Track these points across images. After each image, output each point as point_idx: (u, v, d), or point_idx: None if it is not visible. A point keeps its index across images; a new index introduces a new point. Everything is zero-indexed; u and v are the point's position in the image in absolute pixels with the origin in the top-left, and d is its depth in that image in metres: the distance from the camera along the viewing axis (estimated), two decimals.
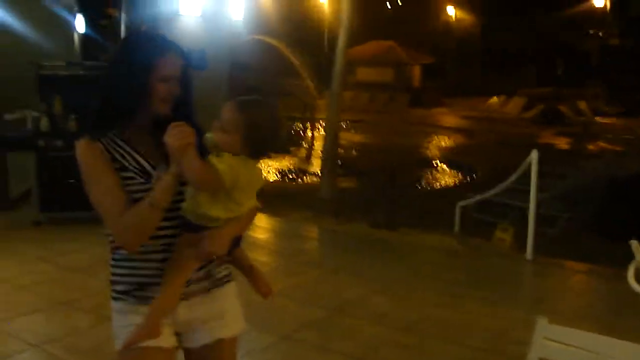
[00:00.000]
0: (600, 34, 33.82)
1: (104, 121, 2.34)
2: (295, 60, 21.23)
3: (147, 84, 2.26)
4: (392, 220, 8.57)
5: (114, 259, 2.41)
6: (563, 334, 2.42)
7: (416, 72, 37.78)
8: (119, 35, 9.08)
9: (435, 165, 17.49)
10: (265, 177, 13.74)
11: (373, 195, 10.06)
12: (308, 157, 17.65)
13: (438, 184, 15.17)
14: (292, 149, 18.27)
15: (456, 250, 7.72)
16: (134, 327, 2.30)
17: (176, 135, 2.17)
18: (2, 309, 5.28)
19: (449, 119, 28.34)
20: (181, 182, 2.23)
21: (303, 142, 19.62)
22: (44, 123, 7.67)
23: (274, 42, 21.28)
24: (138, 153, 2.34)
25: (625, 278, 5.46)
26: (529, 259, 6.97)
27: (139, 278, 2.37)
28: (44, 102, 7.80)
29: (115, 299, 2.42)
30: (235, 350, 2.58)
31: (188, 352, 2.53)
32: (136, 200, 2.23)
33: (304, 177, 14.80)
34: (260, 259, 6.83)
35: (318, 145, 19.18)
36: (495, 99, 31.74)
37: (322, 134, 20.99)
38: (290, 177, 14.73)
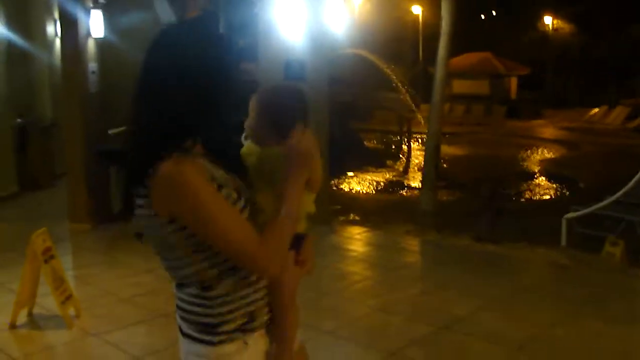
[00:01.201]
0: None
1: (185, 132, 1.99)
2: (391, 73, 21.10)
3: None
4: (495, 233, 8.29)
5: (209, 298, 2.02)
6: None
7: (513, 83, 37.01)
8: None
9: (535, 177, 16.96)
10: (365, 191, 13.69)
11: (475, 208, 9.76)
12: (406, 170, 17.46)
13: (540, 197, 14.66)
14: (389, 162, 18.14)
15: (564, 265, 7.36)
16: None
17: (309, 142, 2.07)
18: (106, 322, 5.32)
19: (548, 131, 27.56)
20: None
21: (400, 156, 19.48)
22: None
23: (370, 55, 21.18)
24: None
25: None
26: None
27: (250, 307, 2.08)
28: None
29: (221, 342, 2.04)
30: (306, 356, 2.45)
31: None
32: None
33: (403, 191, 14.58)
34: (361, 272, 6.69)
35: (415, 158, 18.99)
36: (596, 109, 30.70)
37: (419, 147, 20.86)
38: (389, 190, 14.54)
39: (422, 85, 34.43)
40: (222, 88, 1.98)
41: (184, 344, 2.10)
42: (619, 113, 28.86)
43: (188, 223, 1.91)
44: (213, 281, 2.01)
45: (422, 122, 22.94)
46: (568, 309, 5.68)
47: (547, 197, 14.67)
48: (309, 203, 2.18)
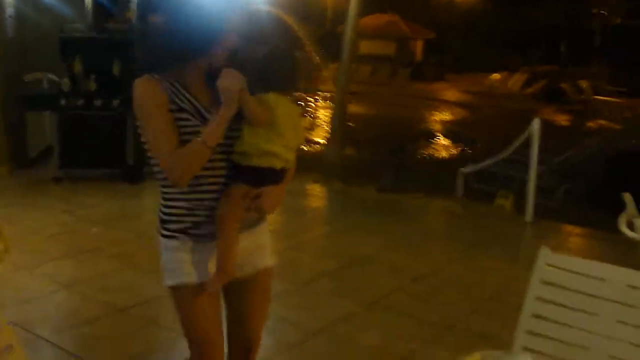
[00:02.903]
0: (604, 13, 33.92)
1: (164, 62, 2.46)
2: (299, 31, 21.36)
3: (222, 33, 2.44)
4: (397, 186, 8.87)
5: (166, 199, 2.54)
6: (563, 261, 2.72)
7: (418, 46, 37.91)
8: (130, 3, 9.25)
9: (437, 136, 17.79)
10: None
11: (378, 163, 10.34)
12: (311, 127, 17.94)
13: (440, 154, 15.47)
14: None
15: (458, 213, 8.04)
16: (215, 274, 2.52)
17: (231, 80, 2.41)
18: (35, 256, 5.59)
19: (450, 94, 28.58)
20: (231, 127, 2.45)
21: (307, 112, 19.88)
22: (66, 83, 7.94)
23: (278, 13, 21.36)
24: (194, 97, 2.49)
25: (617, 240, 5.84)
26: (528, 221, 7.31)
27: (194, 217, 2.51)
28: (65, 64, 8.07)
29: (167, 236, 2.55)
30: (271, 279, 2.82)
31: (230, 284, 2.63)
32: (189, 141, 2.40)
33: (309, 145, 15.10)
34: (273, 217, 7.14)
35: (321, 115, 19.52)
36: (497, 75, 31.94)
37: (325, 105, 21.37)
38: None
39: (330, 45, 34.91)
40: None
41: None
42: (518, 79, 30.20)
43: (139, 126, 2.47)
44: (166, 185, 2.51)
45: (328, 80, 23.49)
46: (459, 249, 6.37)
47: (447, 154, 15.51)
48: (264, 138, 2.48)
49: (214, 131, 2.40)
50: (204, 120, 2.45)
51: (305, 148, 14.54)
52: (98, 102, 7.89)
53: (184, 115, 2.44)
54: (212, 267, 2.55)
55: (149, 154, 2.48)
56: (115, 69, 8.06)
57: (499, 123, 19.47)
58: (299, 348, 4.20)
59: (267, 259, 2.77)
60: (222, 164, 2.49)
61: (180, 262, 2.54)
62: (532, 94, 27.57)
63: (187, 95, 2.48)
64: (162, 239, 2.57)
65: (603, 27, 33.91)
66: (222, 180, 2.50)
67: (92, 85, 7.96)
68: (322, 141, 15.49)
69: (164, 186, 2.54)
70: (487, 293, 5.26)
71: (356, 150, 13.18)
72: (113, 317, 4.55)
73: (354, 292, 5.14)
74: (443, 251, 6.34)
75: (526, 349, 2.63)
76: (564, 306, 2.66)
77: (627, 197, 3.63)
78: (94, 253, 5.74)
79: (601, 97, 26.95)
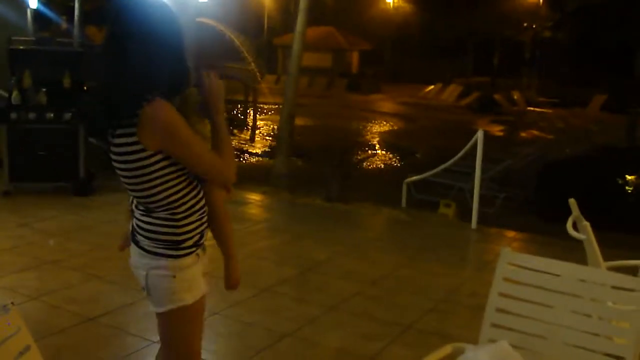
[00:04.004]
0: (534, 26, 35.07)
1: (172, 88, 2.53)
2: (238, 43, 21.44)
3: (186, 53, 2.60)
4: (344, 195, 9.12)
5: (179, 220, 2.53)
6: (524, 259, 3.00)
7: (354, 58, 38.50)
8: (71, 10, 9.26)
9: (376, 147, 18.16)
10: None
11: (323, 174, 10.57)
12: (252, 139, 18.10)
13: (381, 164, 15.81)
14: (236, 131, 18.68)
15: (405, 221, 8.32)
16: (231, 271, 2.78)
17: (218, 86, 2.66)
18: None
19: (387, 105, 29.07)
20: None
21: (247, 124, 20.02)
22: (16, 96, 7.93)
23: (217, 24, 21.45)
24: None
25: (555, 243, 6.22)
26: (473, 228, 7.66)
27: (203, 226, 2.64)
28: (14, 76, 8.07)
29: (183, 256, 2.56)
30: None
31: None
32: None
33: (252, 158, 15.27)
34: None
35: (260, 127, 19.72)
36: (431, 86, 32.65)
37: (264, 117, 21.55)
38: (239, 156, 15.14)
39: (266, 57, 35.10)
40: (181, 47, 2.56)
41: (146, 261, 2.58)
42: (452, 90, 30.95)
43: (173, 153, 2.45)
44: (177, 205, 2.53)
45: (266, 92, 23.65)
46: (410, 255, 6.65)
47: (387, 165, 15.87)
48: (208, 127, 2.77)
49: (223, 125, 2.66)
50: None
51: (251, 160, 14.73)
52: (50, 115, 7.92)
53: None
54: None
55: (197, 170, 2.55)
56: (66, 82, 8.12)
57: (436, 134, 19.99)
58: (268, 351, 4.38)
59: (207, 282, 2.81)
60: None
61: (196, 277, 2.63)
62: (466, 105, 28.29)
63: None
64: (173, 262, 2.55)
65: (533, 40, 35.02)
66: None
67: (43, 98, 7.99)
68: (263, 153, 15.71)
69: (173, 208, 2.53)
70: (440, 295, 5.54)
71: (301, 161, 13.41)
72: (83, 326, 4.65)
73: (314, 296, 5.36)
74: (395, 256, 6.60)
75: (491, 340, 2.88)
76: (524, 300, 2.93)
77: (572, 202, 3.95)
78: (55, 265, 5.81)
79: (534, 108, 27.84)
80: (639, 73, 14.99)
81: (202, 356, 2.93)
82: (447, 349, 2.81)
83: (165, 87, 2.47)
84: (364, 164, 15.47)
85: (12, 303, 2.11)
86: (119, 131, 2.43)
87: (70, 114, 7.93)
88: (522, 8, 35.17)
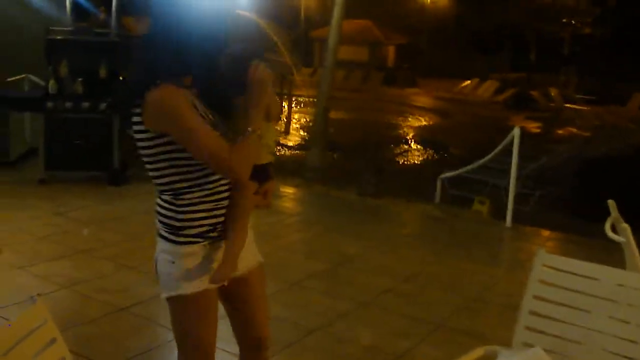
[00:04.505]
0: (574, 22, 34.55)
1: (179, 70, 2.48)
2: (273, 35, 21.45)
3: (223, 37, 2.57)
4: (377, 189, 9.06)
5: (182, 205, 2.51)
6: (560, 262, 2.92)
7: (391, 51, 38.33)
8: (109, 1, 9.30)
9: (411, 142, 18.04)
10: None
11: (357, 168, 10.52)
12: (287, 131, 18.09)
13: (415, 159, 15.71)
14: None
15: (438, 217, 8.23)
16: (219, 266, 2.56)
17: (263, 72, 2.52)
18: (29, 256, 5.69)
19: (422, 99, 28.88)
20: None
21: (282, 117, 20.01)
22: (52, 85, 8.01)
23: (254, 16, 21.44)
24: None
25: (592, 244, 6.10)
26: (508, 226, 7.54)
27: (214, 219, 2.56)
28: (51, 66, 8.13)
29: (184, 243, 2.53)
30: (264, 274, 2.87)
31: (227, 288, 2.67)
32: None
33: (287, 150, 15.26)
34: (262, 219, 7.29)
35: (295, 119, 19.71)
36: (468, 82, 32.36)
37: (299, 109, 21.55)
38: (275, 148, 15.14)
39: (303, 49, 35.11)
40: (211, 36, 2.50)
41: (159, 243, 2.62)
42: (488, 86, 30.64)
43: (175, 137, 2.41)
44: (182, 192, 2.51)
45: (300, 84, 23.64)
46: (441, 252, 6.58)
47: (422, 159, 15.76)
48: (271, 133, 2.69)
49: (258, 121, 2.50)
50: (215, 127, 2.52)
51: (284, 153, 14.73)
52: (85, 105, 7.98)
53: (205, 121, 2.51)
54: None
55: (200, 159, 2.44)
56: (102, 72, 8.16)
57: (471, 130, 19.80)
58: (297, 346, 4.36)
59: (258, 255, 2.84)
60: None
61: (198, 268, 2.56)
62: (503, 101, 27.98)
63: (197, 102, 2.54)
64: (173, 247, 2.55)
65: (572, 36, 34.53)
66: (228, 182, 2.59)
67: (79, 88, 8.05)
68: (298, 145, 15.69)
69: (178, 193, 2.52)
70: (471, 293, 5.46)
71: (335, 154, 13.37)
72: (113, 316, 4.67)
73: (344, 291, 5.32)
74: (426, 252, 6.52)
75: (525, 344, 2.81)
76: (560, 304, 2.85)
77: (611, 204, 3.85)
78: (88, 254, 5.85)
79: (571, 105, 27.44)
80: None
81: (228, 349, 2.89)
82: (479, 352, 2.75)
83: (183, 73, 2.48)
84: (398, 158, 15.38)
85: (38, 295, 2.10)
86: (134, 114, 2.47)
87: (105, 104, 7.99)
88: (561, 2, 34.69)
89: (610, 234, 3.79)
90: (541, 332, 2.86)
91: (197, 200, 2.53)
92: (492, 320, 4.91)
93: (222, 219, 2.59)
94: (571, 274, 2.88)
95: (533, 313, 2.89)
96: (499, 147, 8.37)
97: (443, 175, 9.62)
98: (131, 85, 2.52)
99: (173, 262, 2.55)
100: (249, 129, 2.47)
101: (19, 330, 2.01)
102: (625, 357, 2.69)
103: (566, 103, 27.81)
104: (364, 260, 6.17)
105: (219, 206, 2.57)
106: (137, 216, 7.00)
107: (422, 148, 17.13)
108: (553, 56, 33.45)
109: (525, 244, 7.27)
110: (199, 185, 2.52)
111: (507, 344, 4.21)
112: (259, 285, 2.85)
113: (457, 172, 9.90)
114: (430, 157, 15.99)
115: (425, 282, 5.70)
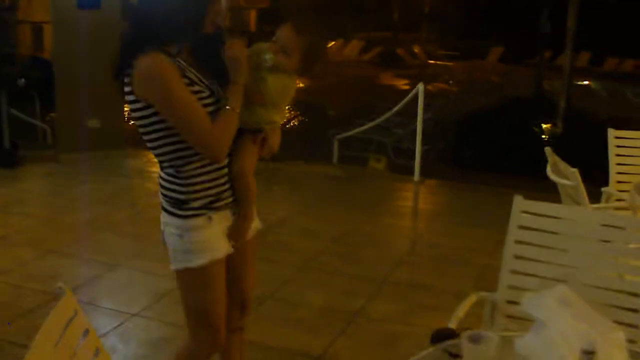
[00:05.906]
0: None
1: (167, 36, 2.43)
2: None
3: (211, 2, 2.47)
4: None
5: (183, 178, 2.48)
6: (536, 206, 3.03)
7: (252, 15, 37.93)
8: None
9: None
10: None
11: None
12: None
13: (295, 123, 15.71)
14: None
15: (340, 177, 8.28)
16: (239, 226, 2.64)
17: (237, 49, 2.51)
18: None
19: None
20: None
21: None
22: None
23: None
24: (194, 69, 2.54)
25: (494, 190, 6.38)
26: (416, 180, 7.70)
27: (217, 188, 2.54)
28: None
29: (189, 216, 2.51)
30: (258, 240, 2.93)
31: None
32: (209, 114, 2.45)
33: None
34: None
35: None
36: (332, 42, 32.57)
37: None
38: None
39: None
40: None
41: (163, 216, 2.58)
42: (354, 46, 31.06)
43: (159, 108, 2.37)
44: (181, 163, 2.47)
45: None
46: (360, 210, 6.62)
47: (302, 122, 15.80)
48: (272, 111, 2.70)
49: (237, 99, 2.49)
50: (212, 92, 2.51)
51: None
52: None
53: (197, 88, 2.46)
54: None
55: (184, 135, 2.40)
56: None
57: (343, 90, 20.00)
58: (253, 316, 4.28)
59: (257, 221, 2.86)
60: None
61: (208, 239, 2.55)
62: (369, 59, 28.45)
63: (192, 69, 2.51)
64: (179, 221, 2.52)
65: None
66: (232, 146, 2.56)
67: None
68: None
69: (177, 166, 2.48)
70: (403, 247, 5.59)
71: None
72: (52, 305, 4.43)
73: (281, 256, 5.30)
74: (345, 212, 6.55)
75: (511, 287, 2.92)
76: (540, 246, 2.97)
77: (548, 150, 4.06)
78: (2, 241, 5.52)
79: (435, 61, 28.24)
80: (543, 29, 15.57)
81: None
82: (472, 299, 2.84)
83: (170, 38, 2.45)
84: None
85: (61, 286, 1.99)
86: (125, 81, 2.41)
87: None
88: None
89: (551, 176, 3.98)
90: (526, 273, 2.97)
91: (198, 171, 2.49)
92: (431, 272, 5.05)
93: (226, 186, 2.58)
94: (546, 217, 3.00)
95: (516, 257, 2.99)
96: (399, 105, 8.56)
97: (339, 136, 9.73)
98: (121, 54, 2.44)
99: (180, 236, 2.53)
100: (227, 107, 2.46)
101: (57, 324, 1.90)
102: (601, 287, 2.84)
103: (430, 60, 28.60)
104: (291, 225, 6.14)
105: (221, 174, 2.55)
106: (42, 198, 6.69)
107: (300, 110, 17.13)
108: (415, 15, 34.23)
109: (439, 196, 7.49)
110: (198, 154, 2.47)
111: (453, 292, 4.38)
112: (252, 250, 2.90)
113: (350, 132, 10.06)
114: (310, 119, 16.05)
115: (354, 241, 5.76)
